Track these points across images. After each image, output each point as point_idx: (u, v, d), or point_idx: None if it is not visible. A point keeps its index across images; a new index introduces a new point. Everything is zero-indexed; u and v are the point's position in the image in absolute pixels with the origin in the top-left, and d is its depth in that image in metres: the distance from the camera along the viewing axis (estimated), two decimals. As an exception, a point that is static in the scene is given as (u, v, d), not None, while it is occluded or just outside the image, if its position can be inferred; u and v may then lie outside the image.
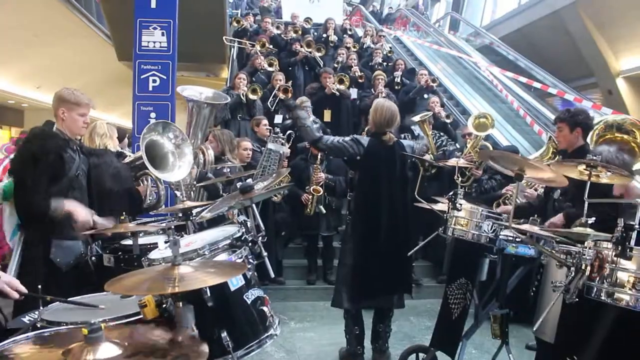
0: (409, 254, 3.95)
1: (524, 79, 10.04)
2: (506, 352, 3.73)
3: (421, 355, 3.97)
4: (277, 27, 11.50)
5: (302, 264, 6.85)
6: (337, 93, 8.37)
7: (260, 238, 2.64)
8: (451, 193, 3.24)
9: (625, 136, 3.96)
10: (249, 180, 2.82)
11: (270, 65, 9.37)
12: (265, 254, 2.64)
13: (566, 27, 13.88)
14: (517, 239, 3.27)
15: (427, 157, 6.35)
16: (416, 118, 6.68)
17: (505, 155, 2.82)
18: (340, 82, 8.63)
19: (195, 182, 4.68)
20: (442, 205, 3.63)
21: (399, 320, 4.60)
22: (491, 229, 3.18)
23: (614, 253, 1.98)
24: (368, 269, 4.18)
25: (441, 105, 8.42)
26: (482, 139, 6.07)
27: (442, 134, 7.05)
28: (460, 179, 5.22)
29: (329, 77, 8.39)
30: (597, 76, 14.09)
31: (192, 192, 4.62)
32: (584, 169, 2.37)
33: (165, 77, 6.33)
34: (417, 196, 3.88)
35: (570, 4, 13.08)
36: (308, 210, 6.30)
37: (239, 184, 2.77)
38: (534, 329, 2.37)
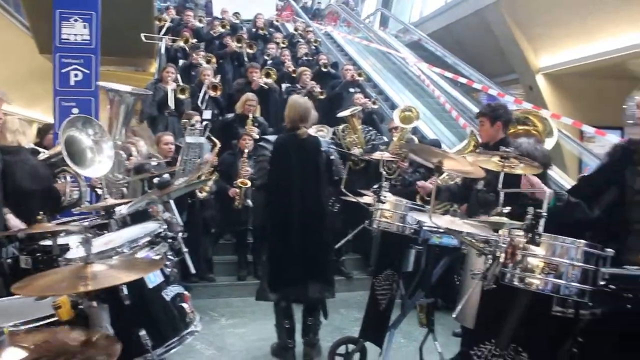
0: (336, 246, 4.02)
1: (450, 75, 10.33)
2: (432, 340, 3.84)
3: (350, 346, 4.02)
4: (200, 20, 11.34)
5: (233, 260, 6.79)
6: (265, 86, 8.32)
7: (180, 234, 2.59)
8: (376, 186, 3.29)
9: (525, 126, 4.20)
10: (166, 176, 2.76)
11: (208, 62, 9.22)
12: (185, 250, 2.59)
13: (489, 26, 14.35)
14: (441, 230, 3.36)
15: (356, 151, 6.45)
16: (346, 113, 6.75)
17: (424, 148, 2.90)
18: (267, 75, 8.58)
19: (124, 177, 4.53)
20: (368, 199, 3.69)
21: (330, 313, 4.62)
22: (415, 220, 3.25)
23: (524, 240, 2.07)
24: (281, 260, 4.28)
25: (365, 96, 8.56)
26: (409, 132, 6.20)
27: (371, 128, 7.14)
28: (386, 172, 5.33)
29: (255, 71, 8.33)
30: (519, 73, 14.65)
31: (124, 188, 4.48)
32: (499, 161, 2.46)
33: (88, 72, 6.08)
34: (344, 190, 3.93)
35: (493, 3, 13.52)
36: (236, 203, 6.25)
37: (155, 180, 2.71)
38: (454, 315, 2.44)
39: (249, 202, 6.30)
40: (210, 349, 4.70)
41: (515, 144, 3.49)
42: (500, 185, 2.45)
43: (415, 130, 9.19)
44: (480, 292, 2.53)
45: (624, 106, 3.25)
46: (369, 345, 3.92)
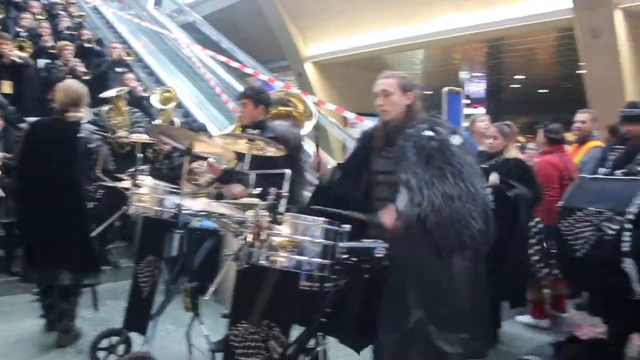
0: (93, 234, 3.79)
1: (223, 58, 10.35)
2: (199, 324, 3.83)
3: (115, 338, 3.83)
4: None
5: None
6: (19, 61, 7.42)
7: None
8: (132, 169, 3.16)
9: (287, 108, 4.43)
10: None
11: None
12: None
13: (263, 12, 14.75)
14: (201, 212, 3.35)
15: (123, 133, 6.13)
16: (111, 93, 6.36)
17: (175, 131, 2.85)
18: (20, 48, 7.66)
19: None
20: (128, 183, 3.53)
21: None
22: (174, 204, 3.19)
23: (269, 220, 2.15)
24: (32, 246, 4.26)
25: (137, 80, 8.18)
26: (174, 115, 6.08)
27: (137, 110, 6.84)
28: (152, 155, 5.16)
29: (5, 43, 7.37)
30: (289, 60, 15.37)
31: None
32: (246, 143, 2.52)
33: None
34: (99, 174, 3.71)
35: (265, -11, 13.92)
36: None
37: None
38: (206, 297, 2.43)
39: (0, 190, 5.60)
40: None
41: (271, 126, 3.64)
42: (246, 167, 2.51)
43: (186, 114, 9.11)
44: (235, 273, 2.58)
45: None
46: (135, 335, 3.77)
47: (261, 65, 11.17)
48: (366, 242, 2.47)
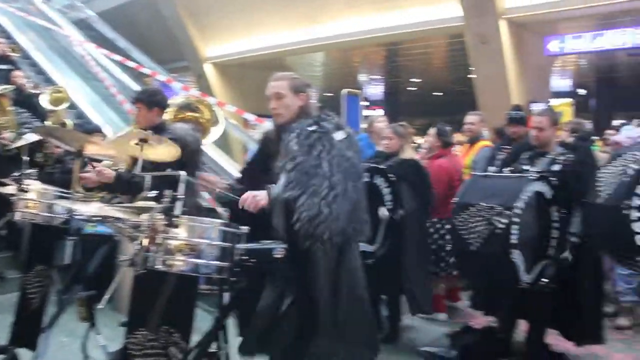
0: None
1: (118, 57, 9.96)
2: (95, 334, 3.67)
3: (1, 356, 3.58)
4: None
5: None
6: None
7: None
8: (17, 174, 2.98)
9: (194, 114, 4.35)
10: None
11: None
12: None
13: (161, 10, 14.36)
14: (95, 217, 3.22)
15: (8, 135, 5.75)
16: (-6, 91, 5.94)
17: (66, 133, 2.73)
18: None
19: None
20: (13, 188, 3.32)
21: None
22: (66, 209, 3.05)
23: (164, 223, 2.11)
24: None
25: (26, 77, 7.70)
26: (66, 117, 5.79)
27: (25, 110, 6.43)
28: (42, 158, 4.88)
29: None
30: (189, 60, 15.08)
31: None
32: (137, 144, 2.45)
33: None
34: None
35: (163, -13, 13.57)
36: None
37: None
38: (100, 305, 2.35)
39: None
40: None
41: (171, 128, 3.56)
42: (139, 170, 2.45)
43: (80, 115, 8.70)
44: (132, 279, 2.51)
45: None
46: (24, 351, 3.55)
47: (159, 65, 10.87)
48: (265, 243, 2.48)
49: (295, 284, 2.57)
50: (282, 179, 2.57)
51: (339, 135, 2.70)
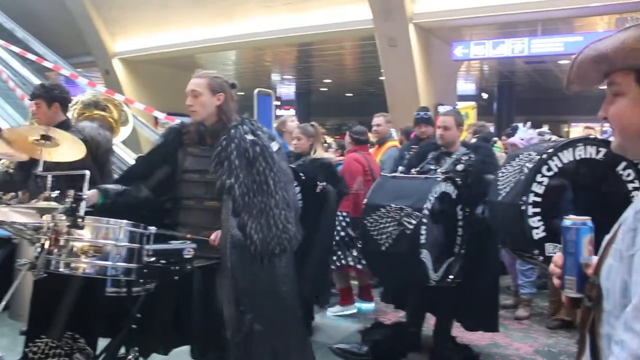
0: None
1: (17, 49, 9.36)
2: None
3: None
4: None
5: None
6: None
7: None
8: None
9: (103, 112, 4.17)
10: None
11: None
12: None
13: (65, 3, 13.68)
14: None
15: None
16: None
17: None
18: None
19: None
20: None
21: None
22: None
23: (67, 224, 2.02)
24: None
25: None
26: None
27: None
28: None
29: None
30: (95, 55, 14.45)
31: None
32: (36, 142, 2.33)
33: None
34: None
35: (67, -23, 12.93)
36: None
37: None
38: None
39: None
40: None
41: (78, 127, 3.41)
42: (40, 169, 2.33)
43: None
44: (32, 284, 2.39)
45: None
46: None
47: (63, 59, 10.33)
48: (174, 244, 2.44)
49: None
50: (228, 201, 2.55)
51: (274, 147, 2.78)
